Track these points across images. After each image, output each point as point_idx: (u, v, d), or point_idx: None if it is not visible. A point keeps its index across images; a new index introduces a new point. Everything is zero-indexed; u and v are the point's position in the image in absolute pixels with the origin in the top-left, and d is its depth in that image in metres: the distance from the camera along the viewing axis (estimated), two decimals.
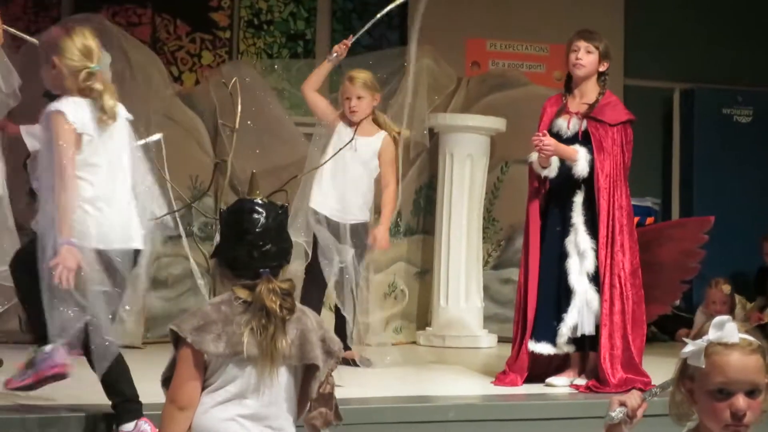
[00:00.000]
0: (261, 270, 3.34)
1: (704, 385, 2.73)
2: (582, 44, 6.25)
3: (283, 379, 3.34)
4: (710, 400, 2.72)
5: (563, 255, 6.19)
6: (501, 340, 8.39)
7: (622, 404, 2.84)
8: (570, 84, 6.36)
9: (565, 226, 6.20)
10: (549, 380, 6.20)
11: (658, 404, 2.90)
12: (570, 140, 6.22)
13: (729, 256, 9.46)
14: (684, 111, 11.10)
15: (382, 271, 8.61)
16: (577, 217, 6.18)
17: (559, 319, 6.14)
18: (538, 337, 6.20)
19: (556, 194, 6.30)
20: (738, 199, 10.62)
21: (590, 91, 6.28)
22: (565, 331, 6.12)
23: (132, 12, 9.50)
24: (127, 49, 7.33)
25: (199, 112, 8.21)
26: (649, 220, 9.66)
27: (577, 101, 6.30)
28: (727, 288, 8.66)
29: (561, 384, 6.18)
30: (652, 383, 5.94)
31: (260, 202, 3.43)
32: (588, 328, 6.11)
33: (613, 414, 2.83)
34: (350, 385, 5.95)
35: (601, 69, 6.29)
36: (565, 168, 6.22)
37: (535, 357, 6.24)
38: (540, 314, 6.24)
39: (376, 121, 6.94)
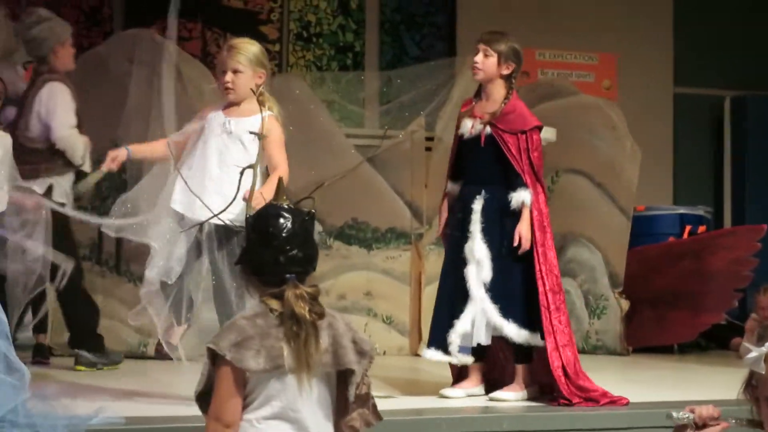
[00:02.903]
0: (287, 276, 3.30)
1: (763, 390, 2.74)
2: (481, 47, 6.02)
3: (317, 386, 3.30)
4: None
5: (462, 262, 5.97)
6: None
7: (691, 410, 2.85)
8: (480, 87, 6.15)
9: (464, 233, 6.00)
10: (442, 391, 5.98)
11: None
12: (472, 142, 6.03)
13: None
14: (735, 119, 11.03)
15: (432, 283, 8.61)
16: (475, 225, 5.96)
17: (452, 326, 5.93)
18: (429, 344, 6.04)
19: (460, 199, 6.11)
20: None
21: (495, 94, 6.04)
22: (454, 338, 5.91)
23: (182, 26, 9.56)
24: (179, 63, 7.39)
25: None
26: (701, 228, 9.60)
27: (483, 104, 6.08)
28: None
29: (456, 395, 5.96)
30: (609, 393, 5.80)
31: (286, 207, 3.40)
32: (484, 339, 5.90)
33: (675, 414, 2.84)
34: (404, 396, 5.97)
35: (504, 72, 6.02)
36: (470, 176, 6.07)
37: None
38: (435, 321, 6.09)
39: (261, 103, 5.57)
